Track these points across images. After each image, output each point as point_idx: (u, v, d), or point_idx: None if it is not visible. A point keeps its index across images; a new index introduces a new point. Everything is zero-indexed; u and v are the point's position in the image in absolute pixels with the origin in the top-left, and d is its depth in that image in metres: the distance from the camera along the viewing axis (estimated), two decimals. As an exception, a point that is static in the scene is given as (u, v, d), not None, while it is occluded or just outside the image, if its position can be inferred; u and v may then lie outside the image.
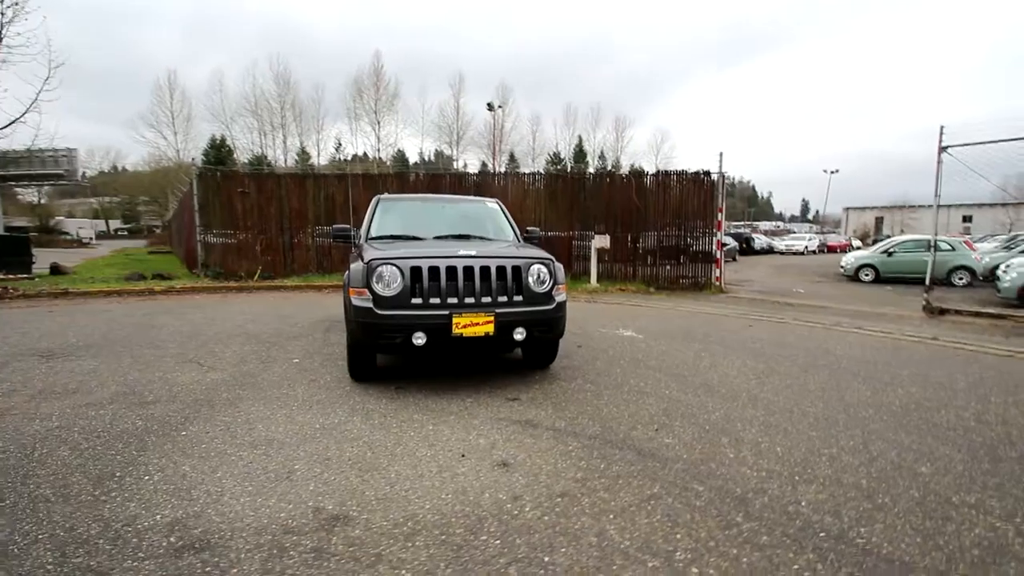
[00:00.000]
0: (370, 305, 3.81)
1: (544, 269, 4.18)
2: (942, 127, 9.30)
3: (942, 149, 9.36)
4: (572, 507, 2.38)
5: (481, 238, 5.06)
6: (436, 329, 3.80)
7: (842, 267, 17.66)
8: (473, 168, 43.97)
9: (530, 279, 4.10)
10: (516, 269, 4.07)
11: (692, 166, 13.28)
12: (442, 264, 3.91)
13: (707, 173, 12.35)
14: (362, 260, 4.02)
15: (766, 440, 3.18)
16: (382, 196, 5.55)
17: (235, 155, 39.13)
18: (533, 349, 4.61)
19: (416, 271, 3.89)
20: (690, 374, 4.70)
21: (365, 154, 44.50)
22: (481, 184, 13.83)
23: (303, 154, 42.60)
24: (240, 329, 6.78)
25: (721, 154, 12.12)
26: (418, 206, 5.71)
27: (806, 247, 34.47)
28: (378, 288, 3.86)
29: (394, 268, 3.88)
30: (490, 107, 31.34)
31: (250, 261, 13.02)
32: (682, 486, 2.59)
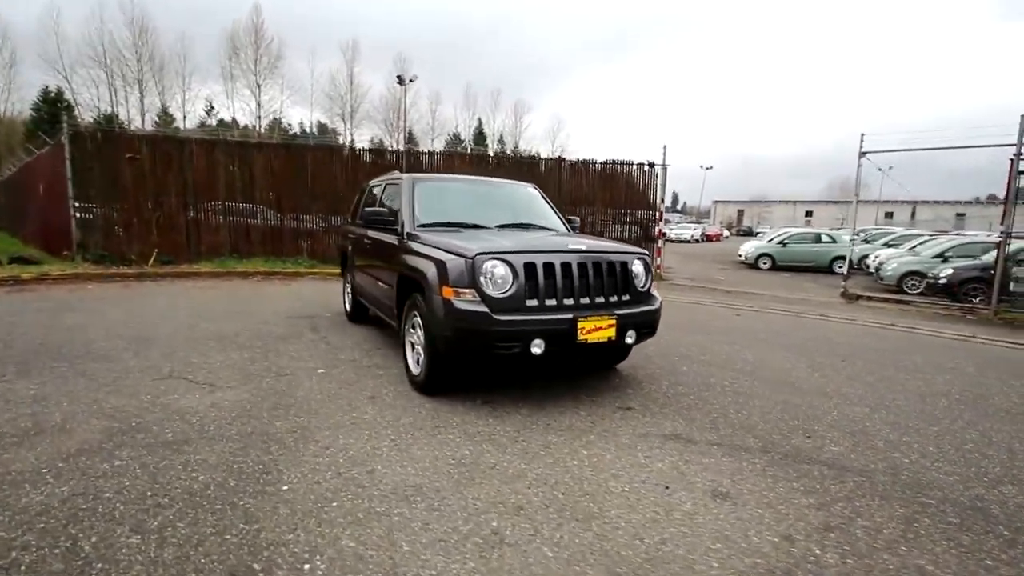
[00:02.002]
0: (484, 309, 3.16)
1: (643, 265, 3.85)
2: (862, 135, 10.51)
3: (862, 154, 10.61)
4: (855, 542, 2.14)
5: (541, 227, 4.56)
6: (559, 336, 3.28)
7: (741, 255, 19.59)
8: (362, 143, 41.23)
9: (635, 276, 3.74)
10: (623, 266, 3.68)
11: (587, 154, 13.59)
12: (558, 260, 3.39)
13: (652, 164, 12.77)
14: (453, 253, 3.34)
15: (907, 438, 3.23)
16: (416, 176, 4.74)
17: (76, 112, 32.25)
18: (614, 352, 4.24)
19: (530, 268, 3.32)
20: (752, 369, 4.71)
21: (234, 120, 39.38)
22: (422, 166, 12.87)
23: (165, 116, 36.53)
24: (199, 329, 5.48)
25: (665, 147, 12.59)
26: (466, 189, 4.97)
27: (692, 235, 37.84)
28: (488, 288, 3.23)
29: (505, 265, 3.28)
30: (400, 80, 29.40)
31: (143, 242, 10.77)
32: (914, 500, 2.49)
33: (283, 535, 2.07)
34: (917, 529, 2.26)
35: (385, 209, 4.39)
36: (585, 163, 12.96)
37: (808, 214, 50.87)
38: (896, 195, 41.02)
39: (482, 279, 3.22)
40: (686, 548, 2.06)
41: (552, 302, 3.35)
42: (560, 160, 12.85)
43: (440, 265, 3.34)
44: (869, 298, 10.80)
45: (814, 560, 2.02)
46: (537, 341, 3.22)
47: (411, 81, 30.35)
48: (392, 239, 4.36)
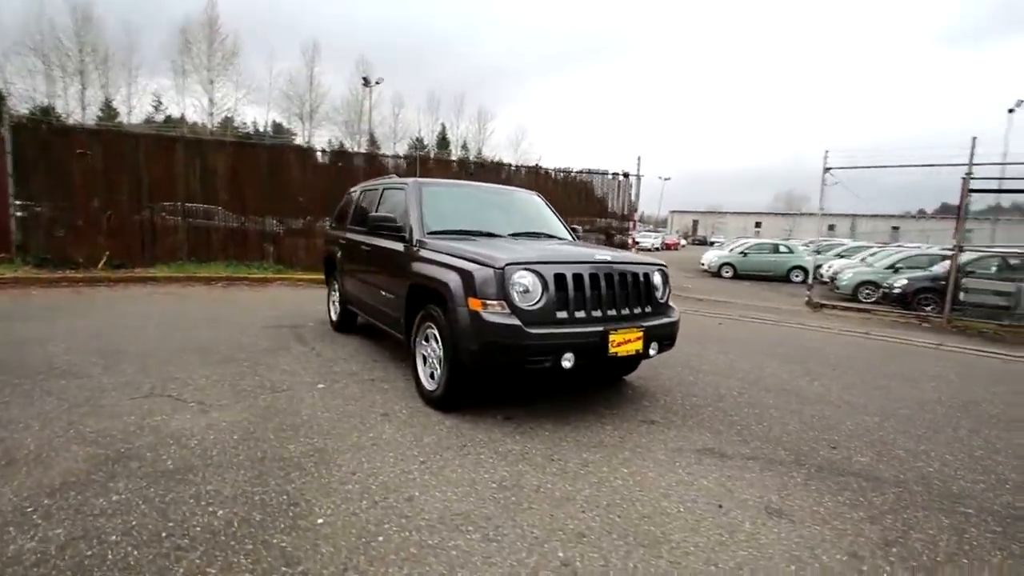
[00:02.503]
0: (516, 322, 3.02)
1: (662, 276, 3.81)
2: (826, 151, 11.03)
3: (826, 169, 11.13)
4: (917, 556, 2.13)
5: (551, 236, 4.46)
6: (590, 349, 3.17)
7: (704, 264, 20.19)
8: (321, 144, 40.06)
9: (655, 288, 3.70)
10: (647, 277, 3.63)
11: (549, 163, 13.69)
12: (586, 271, 3.29)
13: (626, 174, 12.95)
14: (478, 263, 3.19)
15: (923, 447, 3.31)
16: (422, 181, 4.53)
17: (8, 103, 29.72)
18: (628, 364, 4.16)
19: (560, 279, 3.21)
20: (755, 379, 4.76)
21: (183, 117, 37.34)
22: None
23: (109, 110, 34.23)
24: (173, 340, 5.05)
25: (639, 157, 12.81)
26: (473, 196, 4.80)
27: (652, 243, 38.75)
28: (518, 300, 3.09)
29: (534, 275, 3.15)
30: (366, 82, 28.70)
31: (92, 244, 9.96)
32: (953, 510, 2.52)
33: (333, 577, 1.86)
34: (968, 540, 2.29)
35: (390, 215, 4.17)
36: (563, 171, 13.00)
37: (758, 225, 53.22)
38: (835, 209, 43.63)
39: (512, 290, 3.08)
40: (764, 573, 1.99)
41: (581, 314, 3.25)
42: (538, 168, 12.84)
43: (466, 275, 3.17)
44: (832, 307, 11.30)
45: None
46: (568, 355, 3.11)
47: (377, 83, 29.76)
48: (397, 246, 4.15)
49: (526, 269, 3.14)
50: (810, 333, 7.71)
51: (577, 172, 12.87)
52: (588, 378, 4.32)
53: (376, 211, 4.82)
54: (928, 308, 10.89)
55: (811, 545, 2.19)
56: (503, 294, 3.07)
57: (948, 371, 5.57)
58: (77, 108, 32.71)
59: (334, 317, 5.95)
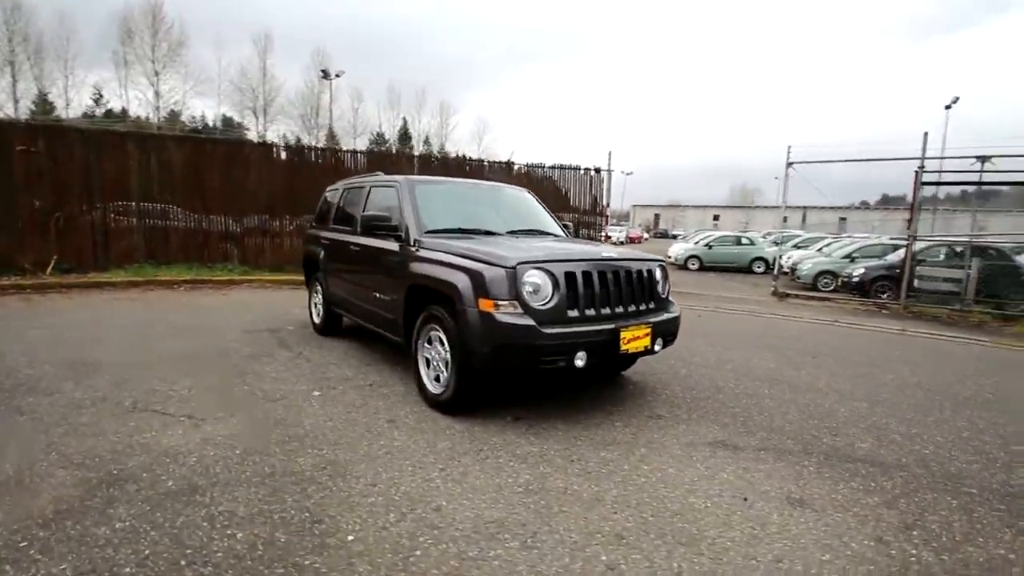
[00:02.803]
0: (530, 322, 2.97)
1: (662, 271, 3.84)
2: (789, 147, 11.43)
3: (789, 164, 11.55)
4: (937, 538, 2.22)
5: (548, 233, 4.43)
6: (603, 347, 3.16)
7: (671, 256, 20.64)
8: (275, 139, 38.76)
9: (657, 283, 3.72)
10: (650, 273, 3.65)
11: (514, 157, 13.64)
12: (595, 269, 3.27)
13: (598, 170, 13.07)
14: (487, 263, 3.12)
15: (915, 430, 3.47)
16: (413, 179, 4.40)
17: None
18: (628, 360, 4.17)
19: (571, 277, 3.18)
20: (745, 370, 4.88)
21: (124, 110, 35.26)
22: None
23: (44, 103, 31.95)
24: (146, 349, 4.76)
25: (610, 152, 12.96)
26: (466, 193, 4.69)
27: (618, 237, 39.39)
28: (531, 300, 3.04)
29: (545, 274, 3.11)
30: (325, 75, 27.77)
31: (38, 248, 9.27)
32: (958, 491, 2.65)
33: (379, 597, 1.77)
34: (978, 519, 2.40)
35: (384, 213, 4.03)
36: (535, 167, 12.97)
37: (716, 218, 54.91)
38: (788, 201, 45.54)
39: (523, 290, 3.03)
40: (802, 564, 2.02)
41: (591, 312, 3.23)
42: (509, 164, 12.78)
43: (476, 275, 3.10)
44: (796, 296, 11.77)
45: (915, 559, 2.07)
46: (580, 354, 3.09)
47: (337, 76, 28.81)
48: (390, 245, 4.02)
49: (537, 268, 3.10)
50: (784, 323, 7.99)
51: (549, 167, 12.89)
52: (588, 375, 4.32)
53: (365, 210, 4.67)
54: (884, 295, 11.48)
55: (838, 533, 2.25)
56: (515, 294, 3.01)
57: (916, 355, 5.88)
58: (8, 102, 30.43)
59: (317, 320, 5.74)
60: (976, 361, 5.78)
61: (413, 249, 3.75)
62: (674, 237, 43.06)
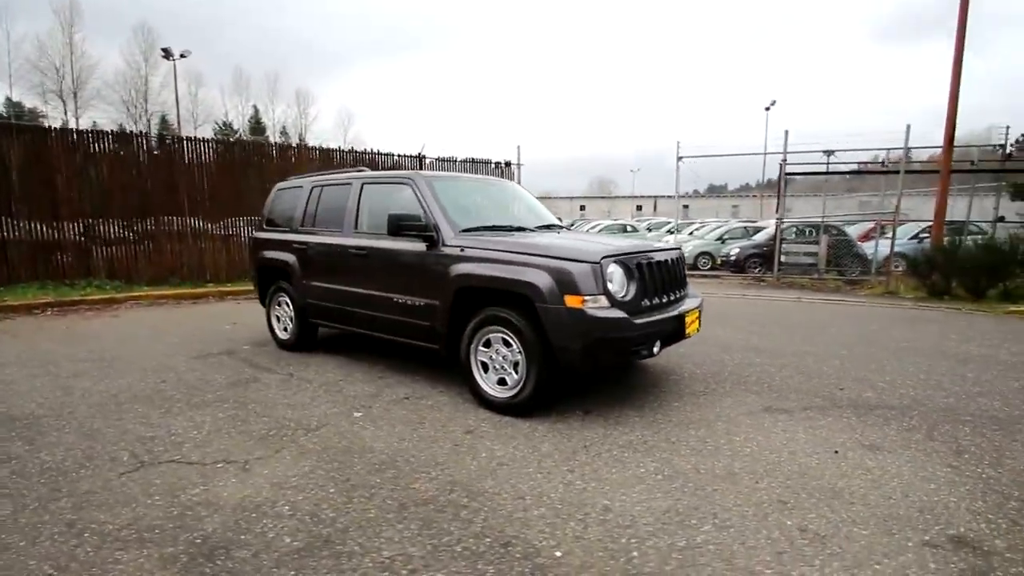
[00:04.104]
0: (622, 315, 3.01)
1: (682, 258, 4.13)
2: (679, 142, 12.76)
3: (679, 158, 12.88)
4: (983, 456, 2.76)
5: (562, 227, 4.47)
6: (672, 333, 3.34)
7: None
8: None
9: (684, 270, 4.00)
10: (680, 260, 3.90)
11: (398, 150, 13.35)
12: (649, 259, 3.42)
13: (508, 164, 13.27)
14: (568, 259, 3.09)
15: (888, 378, 4.22)
16: (427, 175, 4.10)
17: None
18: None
19: (640, 268, 3.29)
20: (727, 344, 5.44)
21: None
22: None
23: None
24: (81, 390, 3.84)
25: (519, 147, 13.21)
26: (477, 189, 4.50)
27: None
28: (616, 293, 3.09)
29: (621, 267, 3.18)
30: (167, 54, 23.72)
31: None
32: (960, 420, 3.28)
33: (645, 604, 1.73)
34: (989, 439, 3.03)
35: (413, 213, 3.71)
36: (447, 161, 12.73)
37: (582, 208, 58.77)
38: (642, 192, 50.65)
39: (611, 284, 3.07)
40: (923, 493, 2.40)
41: (656, 301, 3.38)
42: (421, 158, 12.37)
43: (560, 272, 3.05)
44: (691, 275, 13.23)
45: (984, 476, 2.58)
46: (657, 341, 3.23)
47: (182, 56, 24.69)
48: (415, 247, 3.75)
49: (615, 262, 3.15)
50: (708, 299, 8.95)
51: (461, 161, 12.76)
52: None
53: (359, 209, 4.29)
54: (756, 270, 13.46)
55: (922, 465, 2.69)
56: (603, 288, 3.04)
57: (826, 317, 7.05)
58: None
59: (284, 336, 5.10)
60: (878, 318, 7.04)
61: (455, 250, 3.54)
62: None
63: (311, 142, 46.19)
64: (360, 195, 4.35)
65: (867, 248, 12.30)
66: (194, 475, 2.65)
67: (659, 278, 3.45)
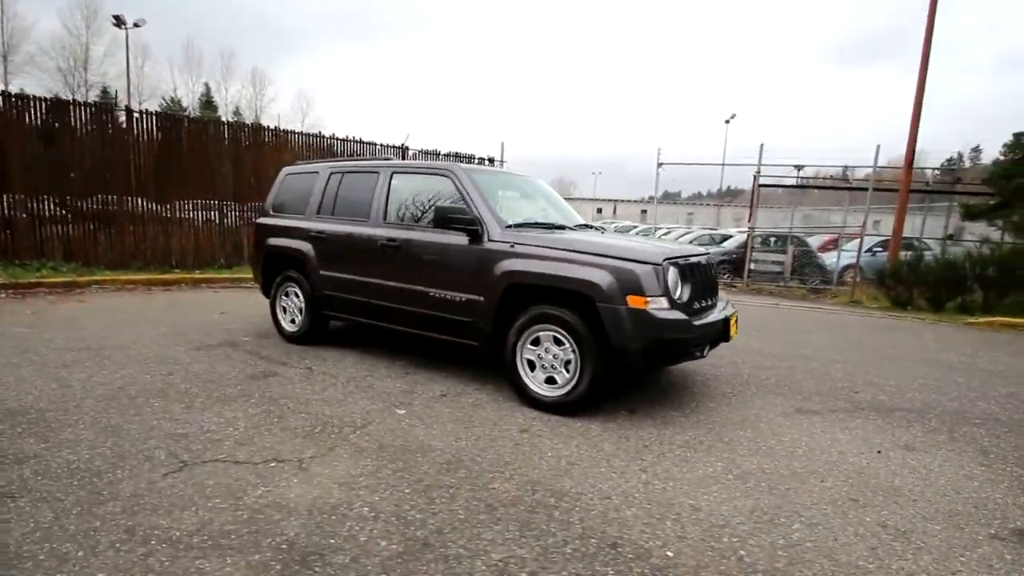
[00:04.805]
0: (683, 316, 3.05)
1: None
2: (659, 149, 13.10)
3: (659, 164, 13.21)
4: (1007, 455, 2.99)
5: (593, 227, 4.48)
6: (719, 335, 3.42)
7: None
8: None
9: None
10: (714, 264, 4.00)
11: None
12: (694, 263, 3.48)
13: (492, 159, 13.19)
14: (630, 260, 3.10)
15: (893, 381, 4.48)
16: (468, 167, 4.00)
17: None
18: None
19: (690, 270, 3.34)
20: (732, 348, 5.60)
21: None
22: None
23: None
24: (78, 383, 3.52)
25: (502, 143, 13.17)
26: (511, 183, 4.43)
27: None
28: (676, 294, 3.13)
29: (677, 269, 3.22)
30: (119, 22, 21.95)
31: None
32: (969, 423, 3.53)
33: (773, 602, 1.76)
34: (1002, 438, 3.28)
35: (460, 206, 3.61)
36: (430, 153, 12.51)
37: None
38: (603, 195, 51.48)
39: (672, 286, 3.11)
40: (967, 489, 2.57)
41: (704, 304, 3.46)
42: (404, 148, 12.09)
43: (624, 272, 3.05)
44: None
45: (1011, 472, 2.79)
46: (708, 343, 3.30)
47: (136, 26, 22.88)
48: (458, 240, 3.65)
49: (673, 264, 3.19)
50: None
51: (444, 155, 12.57)
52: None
53: (388, 199, 4.14)
54: (725, 277, 14.00)
55: (958, 464, 2.88)
56: (665, 290, 3.07)
57: (808, 324, 7.42)
58: None
59: (291, 328, 4.86)
60: (855, 326, 7.44)
61: (504, 245, 3.48)
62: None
63: (267, 123, 44.22)
64: (389, 184, 4.19)
65: (828, 259, 13.07)
66: (249, 475, 2.48)
67: (701, 282, 3.52)
